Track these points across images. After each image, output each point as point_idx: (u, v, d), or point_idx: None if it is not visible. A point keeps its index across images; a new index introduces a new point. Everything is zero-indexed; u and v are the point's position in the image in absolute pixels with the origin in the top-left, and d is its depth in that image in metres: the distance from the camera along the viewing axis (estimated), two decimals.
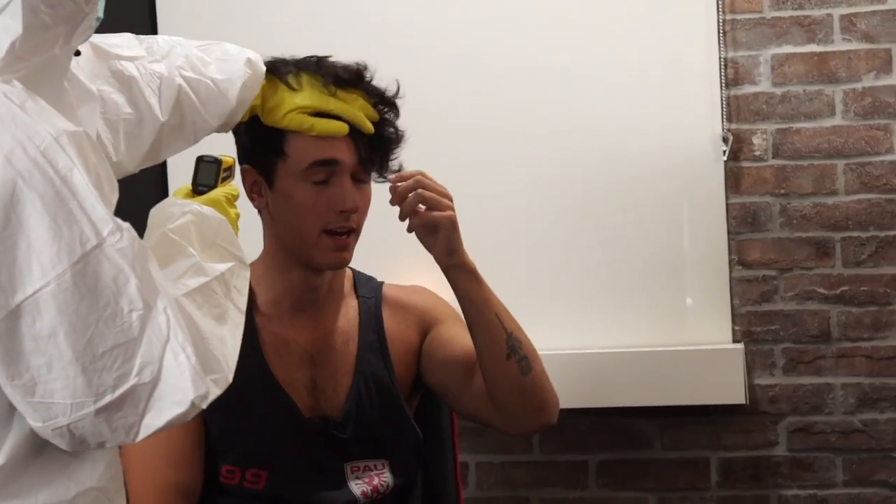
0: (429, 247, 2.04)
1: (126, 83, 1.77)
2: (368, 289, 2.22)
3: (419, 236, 2.04)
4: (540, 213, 3.02)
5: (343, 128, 2.02)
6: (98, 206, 1.36)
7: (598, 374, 2.95)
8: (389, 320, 2.19)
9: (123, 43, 1.83)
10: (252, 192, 2.09)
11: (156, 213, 1.66)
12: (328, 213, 2.03)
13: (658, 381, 2.94)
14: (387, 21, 3.03)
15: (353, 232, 2.06)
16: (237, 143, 2.11)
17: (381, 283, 2.25)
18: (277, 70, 2.02)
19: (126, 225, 1.39)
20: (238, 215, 1.78)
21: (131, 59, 1.81)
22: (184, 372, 1.38)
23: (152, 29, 3.05)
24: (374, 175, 2.10)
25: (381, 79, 2.10)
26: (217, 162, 1.79)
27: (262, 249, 2.15)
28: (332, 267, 2.10)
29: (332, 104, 2.02)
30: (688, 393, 2.95)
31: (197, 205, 1.67)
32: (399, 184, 2.03)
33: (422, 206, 2.01)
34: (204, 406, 1.41)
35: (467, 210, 2.79)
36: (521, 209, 3.02)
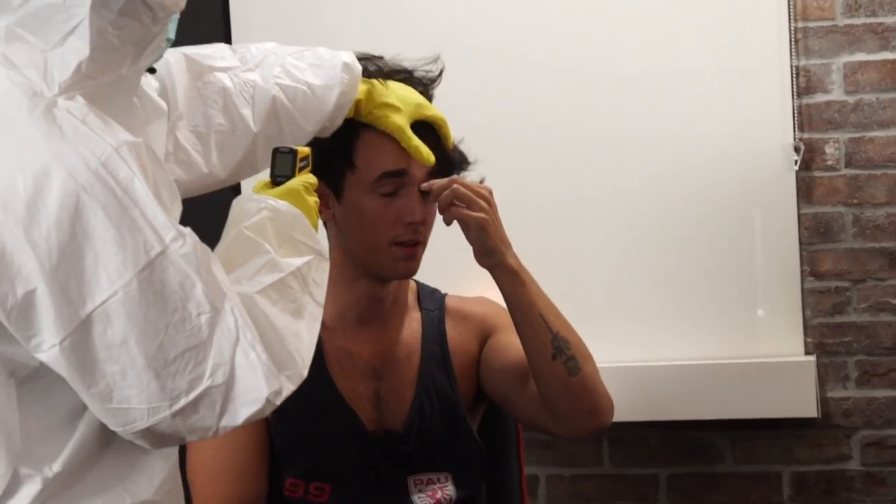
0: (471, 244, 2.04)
1: (219, 94, 1.80)
2: (432, 301, 2.22)
3: (464, 234, 2.03)
4: (609, 223, 3.00)
5: (430, 158, 2.02)
6: (159, 213, 1.38)
7: (668, 387, 2.94)
8: (452, 332, 2.19)
9: (217, 54, 1.86)
10: (319, 204, 2.09)
11: (234, 209, 1.67)
12: (396, 225, 2.03)
13: (729, 394, 2.92)
14: (451, 28, 3.02)
15: (421, 243, 2.06)
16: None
17: (445, 294, 2.25)
18: (368, 70, 2.02)
19: (187, 230, 1.41)
20: (317, 203, 1.77)
21: (224, 69, 1.84)
22: (256, 370, 1.41)
23: (226, 37, 3.06)
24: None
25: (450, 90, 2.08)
26: (293, 152, 1.78)
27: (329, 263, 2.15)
28: (401, 276, 2.10)
29: (426, 110, 2.03)
30: (759, 406, 2.92)
31: (272, 200, 1.67)
32: (435, 184, 2.03)
33: (458, 204, 2.01)
34: (278, 402, 1.43)
35: (535, 218, 2.94)
36: (590, 218, 3.01)
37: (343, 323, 2.14)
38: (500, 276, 2.04)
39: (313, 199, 1.76)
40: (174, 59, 1.76)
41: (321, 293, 1.63)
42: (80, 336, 1.36)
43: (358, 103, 1.98)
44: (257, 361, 1.41)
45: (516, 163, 2.98)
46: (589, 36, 2.99)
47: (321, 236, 1.74)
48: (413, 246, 2.05)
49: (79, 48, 1.42)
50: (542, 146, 3.01)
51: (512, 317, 2.06)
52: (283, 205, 1.66)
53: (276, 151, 1.79)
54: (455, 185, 2.01)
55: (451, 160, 2.09)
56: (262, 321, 1.47)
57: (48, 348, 1.37)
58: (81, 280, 1.35)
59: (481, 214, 2.00)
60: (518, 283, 2.03)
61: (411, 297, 2.21)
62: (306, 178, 1.78)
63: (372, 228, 2.04)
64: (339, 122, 1.95)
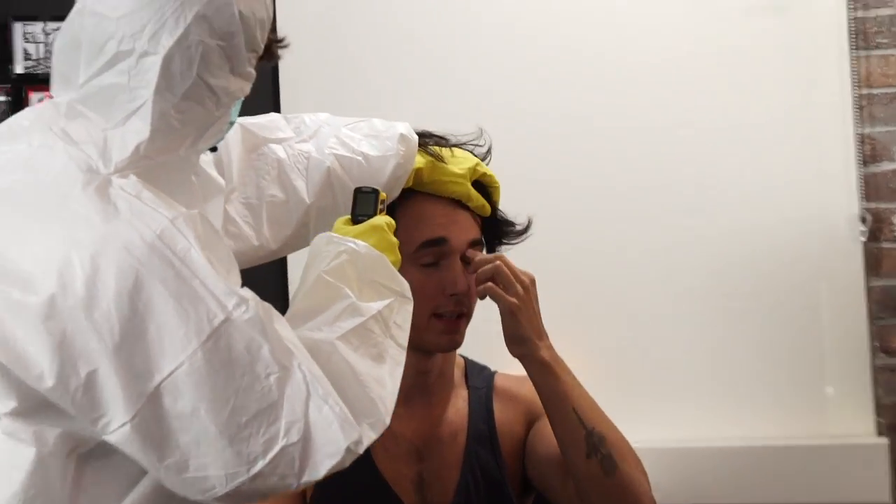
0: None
1: (273, 166, 1.84)
2: (480, 379, 2.15)
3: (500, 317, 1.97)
4: (668, 294, 2.92)
5: (486, 208, 2.02)
6: (220, 282, 1.40)
7: (729, 469, 2.83)
8: (500, 412, 2.10)
9: (272, 124, 1.89)
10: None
11: (313, 250, 1.68)
12: (438, 296, 1.98)
13: (795, 477, 2.81)
14: (507, 94, 2.95)
15: (464, 315, 2.00)
16: None
17: (494, 372, 2.17)
18: (424, 142, 2.01)
19: (249, 293, 1.43)
20: (397, 244, 1.77)
21: (279, 140, 1.87)
22: (331, 423, 1.42)
23: (275, 104, 3.04)
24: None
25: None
26: (375, 192, 1.79)
27: None
28: (444, 349, 2.03)
29: (482, 168, 2.03)
30: (828, 490, 2.81)
31: (352, 241, 1.67)
32: (479, 256, 1.99)
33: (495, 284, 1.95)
34: (360, 451, 1.44)
35: (592, 291, 2.86)
36: (649, 290, 2.93)
37: None
38: (529, 366, 1.95)
39: (394, 240, 1.76)
40: (231, 131, 1.75)
41: (404, 336, 1.64)
42: (149, 410, 1.38)
43: (419, 173, 1.96)
44: (331, 414, 1.42)
45: (564, 223, 2.92)
46: (649, 105, 2.94)
47: None
48: (456, 318, 2.00)
49: (139, 129, 1.46)
50: (590, 203, 2.95)
51: (545, 411, 1.96)
52: (362, 246, 1.67)
53: (357, 191, 1.79)
54: (498, 263, 1.95)
55: (498, 225, 2.07)
56: (343, 368, 1.49)
57: (118, 427, 1.38)
58: (146, 355, 1.37)
59: (514, 300, 1.93)
60: (549, 375, 1.94)
61: (458, 374, 2.14)
62: (387, 219, 1.78)
63: (413, 301, 1.96)
64: (395, 193, 1.94)
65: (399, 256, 1.75)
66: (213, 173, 1.70)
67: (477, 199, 2.00)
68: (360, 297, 1.60)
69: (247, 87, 1.55)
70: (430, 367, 2.06)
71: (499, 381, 2.14)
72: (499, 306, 1.93)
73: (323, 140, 1.88)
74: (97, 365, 1.36)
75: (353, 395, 1.47)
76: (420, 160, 1.96)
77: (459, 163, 2.00)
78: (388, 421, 1.50)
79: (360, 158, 1.88)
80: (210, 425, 1.39)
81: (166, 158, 1.49)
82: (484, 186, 2.03)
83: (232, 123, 1.58)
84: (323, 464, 1.42)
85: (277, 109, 2.99)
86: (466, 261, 1.99)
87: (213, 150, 1.66)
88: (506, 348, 1.94)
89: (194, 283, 1.39)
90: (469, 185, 1.99)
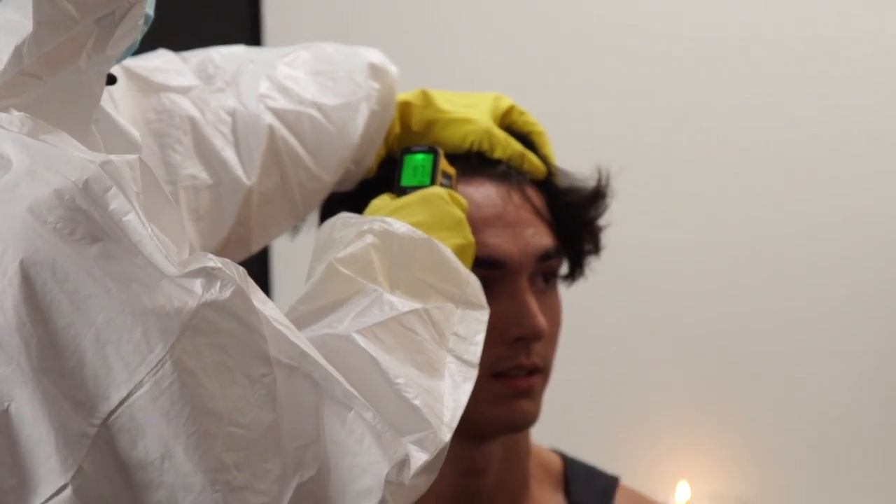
0: None
1: (183, 130, 1.33)
2: (590, 492, 1.47)
3: None
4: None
5: (542, 168, 1.39)
6: (167, 253, 0.99)
7: None
8: None
9: (167, 66, 1.37)
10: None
11: (319, 241, 1.22)
12: (494, 344, 1.32)
13: None
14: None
15: (539, 372, 1.36)
16: None
17: (615, 481, 1.49)
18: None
19: (215, 262, 0.99)
20: (465, 222, 1.25)
21: (184, 90, 1.35)
22: (361, 438, 1.02)
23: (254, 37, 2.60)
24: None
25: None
26: (434, 152, 1.29)
27: None
28: (507, 427, 1.37)
29: (506, 102, 1.42)
30: None
31: (381, 219, 1.19)
32: None
33: None
34: (408, 478, 1.02)
35: None
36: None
37: None
38: None
39: (461, 216, 1.25)
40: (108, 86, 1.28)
41: (474, 352, 1.16)
42: (96, 461, 0.97)
43: (407, 114, 1.42)
44: (359, 423, 1.02)
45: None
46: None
47: None
48: (526, 376, 1.35)
49: (17, 24, 1.05)
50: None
51: None
52: (400, 226, 1.19)
53: (404, 152, 1.31)
54: None
55: (571, 207, 1.40)
56: (368, 370, 1.07)
57: (50, 497, 0.97)
58: (84, 377, 0.97)
59: None
60: None
61: (548, 480, 1.46)
62: (449, 191, 1.28)
63: None
64: (367, 161, 1.41)
65: (471, 240, 1.21)
66: (121, 120, 1.19)
67: (516, 148, 1.38)
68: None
69: None
70: (485, 462, 1.38)
71: (623, 501, 1.47)
72: None
73: (249, 86, 1.34)
74: (9, 398, 0.97)
75: (386, 404, 1.06)
76: (406, 96, 1.42)
77: (463, 101, 1.42)
78: (445, 438, 1.05)
79: (311, 111, 1.35)
80: (192, 474, 0.98)
81: (60, 78, 1.06)
82: (522, 136, 1.41)
83: (149, 17, 1.10)
84: (359, 502, 1.01)
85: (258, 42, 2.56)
86: (537, 283, 1.36)
87: (112, 80, 1.15)
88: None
89: (137, 259, 0.98)
90: (490, 126, 1.39)
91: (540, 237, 1.34)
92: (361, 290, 1.17)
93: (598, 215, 1.41)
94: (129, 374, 0.99)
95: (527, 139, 1.40)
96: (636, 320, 2.55)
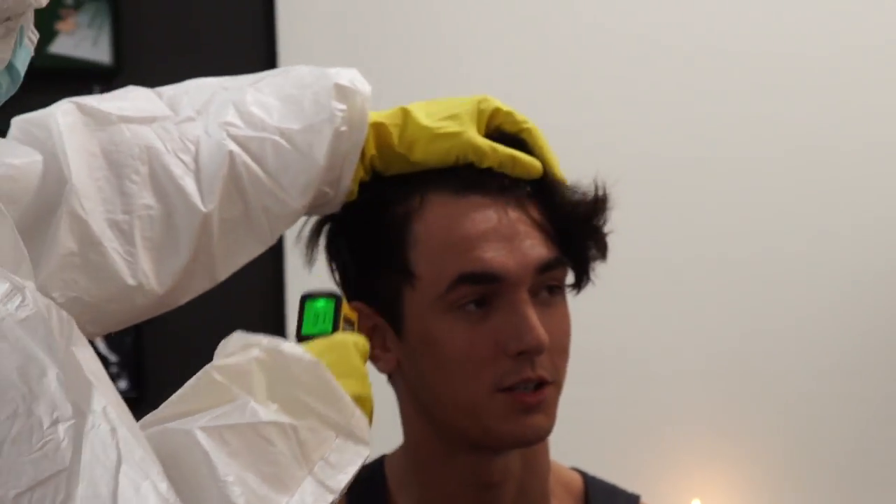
0: None
1: (141, 160, 1.30)
2: None
3: None
4: None
5: (536, 166, 1.35)
6: None
7: None
8: None
9: (130, 96, 1.35)
10: (372, 345, 1.33)
11: (217, 352, 1.17)
12: (497, 358, 1.31)
13: None
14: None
15: (548, 384, 1.33)
16: (330, 263, 1.42)
17: (636, 499, 1.47)
18: None
19: (29, 285, 0.97)
20: (366, 375, 1.19)
21: (147, 121, 1.33)
22: None
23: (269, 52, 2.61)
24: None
25: None
26: (333, 298, 1.26)
27: (403, 436, 1.42)
28: (519, 442, 1.35)
29: (492, 104, 1.39)
30: None
31: (272, 338, 1.14)
32: None
33: None
34: None
35: None
36: None
37: None
38: None
39: (361, 365, 1.21)
40: (61, 112, 1.29)
41: (341, 479, 1.09)
42: None
43: (385, 136, 1.38)
44: (152, 495, 0.93)
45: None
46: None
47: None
48: (535, 390, 1.32)
49: None
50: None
51: None
52: (291, 347, 1.13)
53: (305, 298, 1.27)
54: None
55: (572, 215, 1.36)
56: (196, 463, 1.02)
57: None
58: None
59: None
60: None
61: (567, 496, 1.44)
62: (358, 337, 1.23)
63: (458, 371, 1.33)
64: (345, 184, 1.37)
65: (367, 391, 1.16)
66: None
67: (504, 153, 1.35)
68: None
69: None
70: (502, 476, 1.36)
71: None
72: None
73: (217, 114, 1.32)
74: None
75: (203, 498, 1.00)
76: (381, 117, 1.38)
77: (442, 110, 1.38)
78: None
79: (275, 137, 1.32)
80: None
81: None
82: (511, 137, 1.37)
83: (17, 72, 1.05)
84: None
85: (273, 53, 2.62)
86: (538, 294, 1.33)
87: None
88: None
89: None
90: (474, 136, 1.36)
91: (538, 248, 1.32)
92: (233, 399, 1.11)
93: (601, 220, 1.37)
94: None
95: (517, 139, 1.37)
96: (650, 339, 2.51)
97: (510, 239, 1.32)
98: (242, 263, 1.36)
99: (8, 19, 1.03)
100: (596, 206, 1.36)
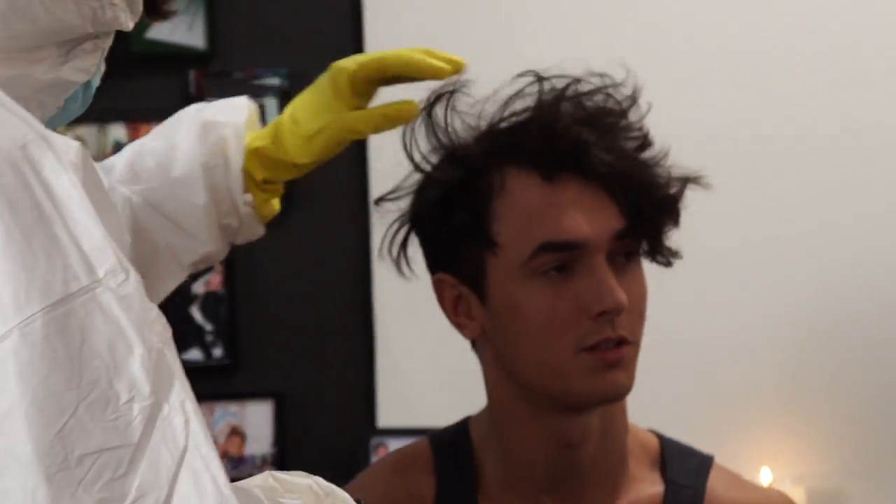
0: None
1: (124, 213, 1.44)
2: (685, 471, 1.48)
3: None
4: None
5: (408, 109, 1.40)
6: (96, 233, 0.98)
7: None
8: None
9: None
10: (457, 313, 1.42)
11: None
12: (580, 319, 1.37)
13: None
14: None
15: (628, 343, 1.39)
16: (419, 235, 1.48)
17: (710, 460, 1.50)
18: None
19: (134, 270, 1.00)
20: None
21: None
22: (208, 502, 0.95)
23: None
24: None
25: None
26: None
27: (487, 399, 1.47)
28: (602, 398, 1.40)
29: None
30: None
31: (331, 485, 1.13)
32: None
33: None
34: None
35: None
36: None
37: (518, 491, 1.44)
38: None
39: None
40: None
41: None
42: None
43: (269, 165, 1.45)
44: (212, 489, 0.94)
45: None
46: None
47: None
48: (616, 347, 1.38)
49: None
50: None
51: None
52: (344, 496, 1.10)
53: None
54: None
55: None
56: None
57: None
58: None
59: None
60: None
61: (646, 458, 1.48)
62: None
63: (541, 333, 1.39)
64: (246, 206, 1.45)
65: None
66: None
67: (375, 118, 1.40)
68: None
69: (128, 21, 1.10)
70: (582, 436, 1.41)
71: (716, 483, 1.47)
72: None
73: (116, 171, 1.45)
74: None
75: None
76: (256, 141, 1.44)
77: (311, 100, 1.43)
78: None
79: (163, 186, 1.44)
80: (26, 441, 0.93)
81: (17, 73, 1.06)
82: (384, 81, 1.41)
83: (91, 86, 1.11)
84: None
85: (360, 38, 2.68)
86: (616, 259, 1.40)
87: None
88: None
89: (55, 225, 0.97)
90: (345, 110, 1.41)
91: (614, 218, 1.38)
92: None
93: (672, 195, 1.43)
94: (3, 319, 0.97)
95: (387, 79, 1.42)
96: (721, 307, 2.53)
97: (588, 209, 1.39)
98: (168, 292, 1.46)
99: (97, 37, 1.09)
100: (669, 181, 1.43)
